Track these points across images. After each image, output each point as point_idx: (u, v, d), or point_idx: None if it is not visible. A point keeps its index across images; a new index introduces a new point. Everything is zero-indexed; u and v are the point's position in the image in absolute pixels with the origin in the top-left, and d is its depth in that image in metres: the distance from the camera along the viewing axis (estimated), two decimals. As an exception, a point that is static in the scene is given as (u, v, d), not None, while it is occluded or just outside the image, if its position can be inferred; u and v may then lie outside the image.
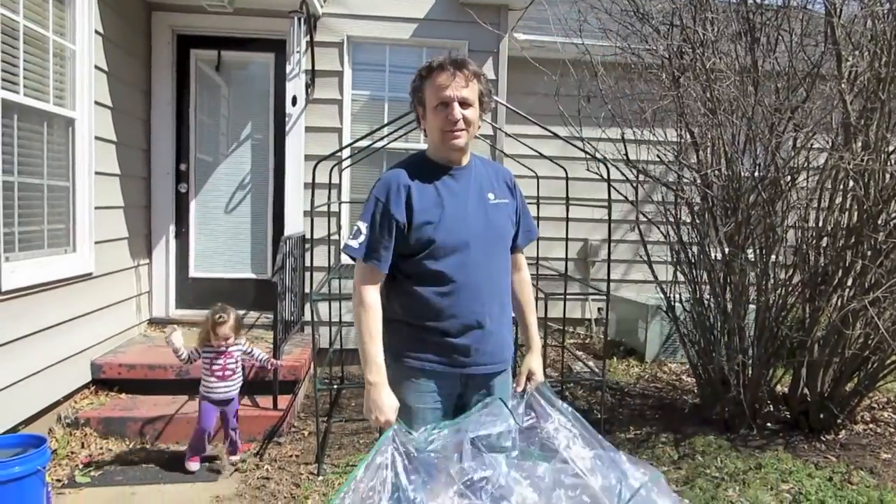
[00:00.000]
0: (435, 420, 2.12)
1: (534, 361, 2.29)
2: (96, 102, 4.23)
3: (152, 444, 3.97)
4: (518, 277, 2.34)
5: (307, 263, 5.32)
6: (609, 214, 4.04)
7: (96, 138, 4.25)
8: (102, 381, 4.32)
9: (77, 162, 4.14)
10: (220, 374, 3.67)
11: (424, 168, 2.15)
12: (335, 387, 4.94)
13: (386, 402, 1.98)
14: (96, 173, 4.25)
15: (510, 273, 2.26)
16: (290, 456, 3.89)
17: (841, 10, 3.77)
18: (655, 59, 4.50)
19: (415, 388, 2.08)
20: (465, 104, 2.05)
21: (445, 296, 2.07)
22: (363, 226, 2.09)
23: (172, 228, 5.25)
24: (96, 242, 4.27)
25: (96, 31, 4.21)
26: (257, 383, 4.36)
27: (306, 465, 3.75)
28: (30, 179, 3.73)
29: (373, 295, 2.06)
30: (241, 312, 5.28)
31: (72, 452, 3.75)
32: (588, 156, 4.17)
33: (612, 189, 4.14)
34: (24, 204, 3.66)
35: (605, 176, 4.73)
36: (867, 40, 3.85)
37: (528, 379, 2.27)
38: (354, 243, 2.07)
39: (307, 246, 5.30)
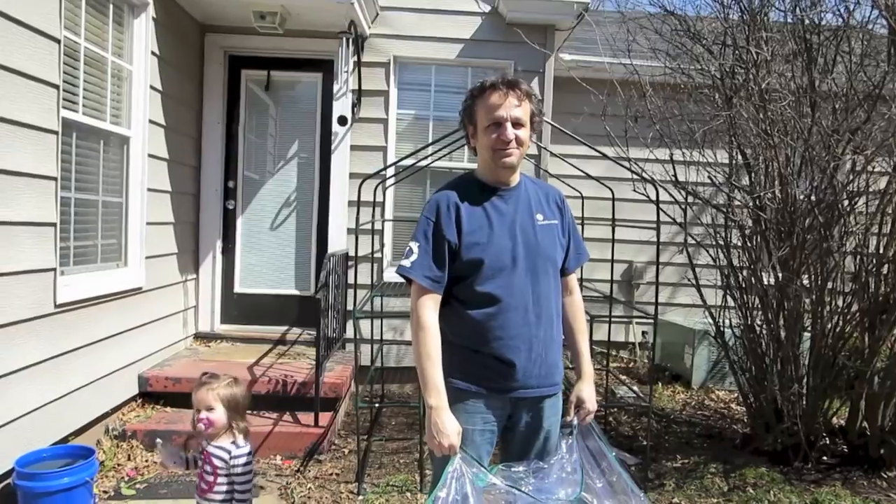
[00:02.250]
0: (484, 442, 2.10)
1: (585, 389, 2.22)
2: (150, 121, 4.35)
3: (195, 458, 3.99)
4: (569, 301, 2.29)
5: (350, 280, 5.34)
6: (658, 236, 3.95)
7: (149, 156, 4.36)
8: (149, 395, 4.38)
9: (130, 178, 4.25)
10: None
11: (473, 188, 2.14)
12: (377, 405, 4.92)
13: (449, 427, 1.94)
14: (148, 190, 4.36)
15: (560, 296, 2.21)
16: (331, 474, 3.87)
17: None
18: (706, 79, 4.41)
19: (463, 410, 2.05)
20: (517, 124, 2.04)
21: (492, 317, 2.05)
22: (415, 246, 2.08)
23: (219, 244, 5.34)
24: (147, 257, 4.37)
25: (152, 52, 4.33)
26: (298, 399, 4.37)
27: (346, 484, 3.72)
28: (86, 195, 3.84)
29: (431, 316, 2.03)
30: (284, 328, 5.37)
31: (118, 464, 3.80)
32: (637, 176, 4.10)
33: (660, 210, 4.04)
34: (80, 219, 3.77)
35: (654, 197, 4.65)
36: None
37: (579, 407, 2.21)
38: (407, 263, 2.07)
39: (350, 263, 5.34)
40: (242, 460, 2.39)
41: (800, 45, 3.87)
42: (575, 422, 2.20)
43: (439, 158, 4.82)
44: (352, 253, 5.32)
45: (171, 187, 4.73)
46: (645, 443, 4.18)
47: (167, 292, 4.76)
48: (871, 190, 4.00)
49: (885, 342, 4.05)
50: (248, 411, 2.57)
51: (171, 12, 4.62)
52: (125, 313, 4.14)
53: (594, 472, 2.16)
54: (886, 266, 3.99)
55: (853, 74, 3.89)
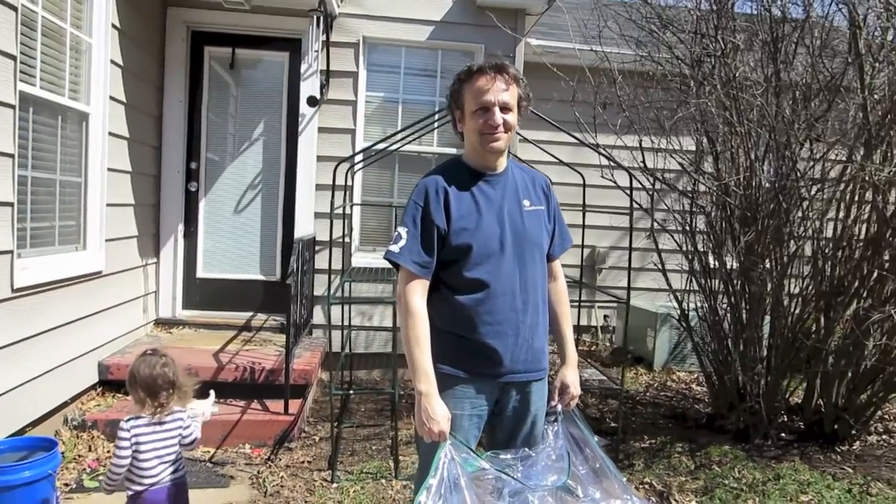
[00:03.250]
0: (472, 427, 2.10)
1: (569, 374, 2.24)
2: (111, 97, 4.16)
3: (162, 447, 3.88)
4: (554, 286, 2.30)
5: (318, 265, 5.26)
6: (631, 222, 4.02)
7: (110, 134, 4.17)
8: (109, 383, 4.23)
9: (90, 157, 4.07)
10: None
11: (461, 173, 2.12)
12: (351, 392, 4.88)
13: (439, 412, 1.93)
14: (109, 170, 4.18)
15: (546, 281, 2.22)
16: (303, 462, 3.82)
17: (865, 21, 3.77)
18: (675, 67, 4.49)
19: (451, 395, 2.04)
20: (505, 108, 2.03)
21: (480, 303, 2.04)
22: (404, 231, 2.05)
23: (181, 227, 5.17)
24: (107, 240, 4.19)
25: (113, 25, 4.14)
26: (267, 387, 4.30)
27: (319, 472, 3.68)
28: (43, 174, 3.65)
29: (419, 302, 2.01)
30: (248, 314, 5.26)
31: (79, 456, 3.65)
32: (612, 163, 4.14)
33: (631, 196, 4.11)
34: (37, 200, 3.59)
35: (627, 183, 4.72)
36: (888, 51, 3.85)
37: (563, 392, 2.23)
38: (395, 248, 2.04)
39: (317, 248, 5.25)
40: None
41: (766, 36, 3.96)
42: (559, 407, 2.22)
43: (410, 142, 4.77)
44: (319, 237, 5.25)
45: (132, 167, 4.55)
46: (613, 424, 4.27)
47: (127, 277, 4.59)
48: (829, 177, 4.14)
49: (839, 323, 4.22)
50: (216, 400, 2.87)
51: (132, -16, 4.42)
52: (85, 298, 3.97)
53: (577, 459, 2.19)
54: (841, 251, 4.15)
55: (813, 66, 4.02)
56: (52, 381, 3.63)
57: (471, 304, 2.04)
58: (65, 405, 3.83)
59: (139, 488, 2.42)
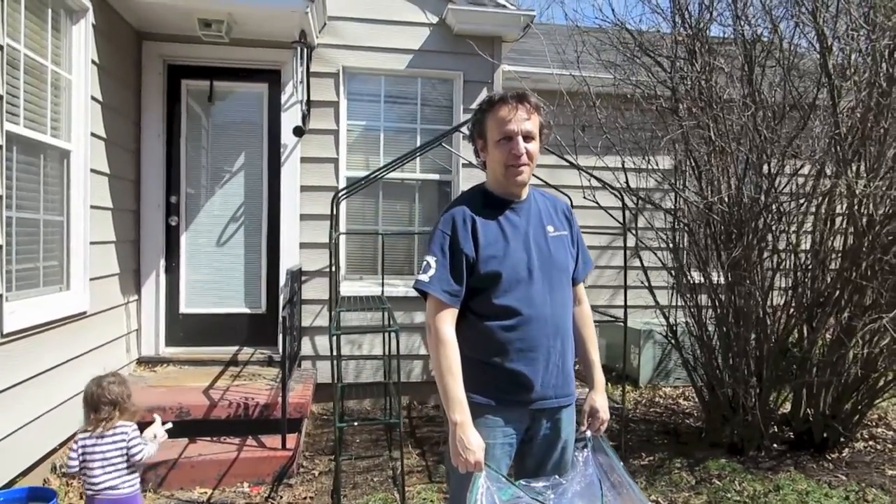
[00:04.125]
0: (504, 455, 2.09)
1: (598, 399, 2.23)
2: (91, 133, 4.08)
3: (155, 490, 3.75)
4: (578, 311, 2.30)
5: (305, 296, 5.20)
6: (625, 242, 4.10)
7: (91, 170, 4.08)
8: (96, 426, 4.07)
9: (72, 195, 3.97)
10: None
11: (485, 202, 2.13)
12: (356, 423, 4.81)
13: (475, 442, 1.91)
14: (91, 207, 4.07)
15: (572, 306, 2.24)
16: (305, 498, 3.74)
17: (832, 46, 3.95)
18: (652, 90, 4.62)
19: (483, 424, 2.02)
20: (528, 137, 2.05)
21: (511, 330, 2.04)
22: (432, 260, 2.04)
23: (163, 263, 5.06)
24: (91, 279, 4.07)
25: (92, 61, 4.07)
26: (262, 422, 4.21)
27: (324, 508, 3.60)
28: (27, 214, 3.54)
29: (449, 331, 2.00)
30: (234, 349, 5.16)
31: (70, 504, 3.52)
32: (600, 184, 4.23)
33: (624, 215, 4.19)
34: (21, 240, 3.47)
35: (609, 203, 4.83)
36: (857, 73, 4.04)
37: (592, 417, 2.23)
38: (425, 277, 2.03)
39: (304, 279, 5.20)
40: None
41: (741, 58, 4.12)
42: (589, 433, 2.22)
43: (393, 170, 4.77)
44: (306, 268, 5.20)
45: (113, 204, 4.44)
46: (611, 443, 4.29)
47: (110, 316, 4.46)
48: (809, 192, 4.30)
49: (822, 333, 4.36)
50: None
51: (110, 19, 4.36)
52: (70, 340, 3.84)
53: (605, 485, 2.20)
54: (821, 263, 4.30)
55: (785, 86, 4.20)
56: (40, 428, 3.49)
57: (502, 330, 2.04)
58: (52, 452, 3.68)
59: (89, 492, 2.72)
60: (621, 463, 2.25)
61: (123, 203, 4.67)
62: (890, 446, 4.54)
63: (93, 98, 4.09)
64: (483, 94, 5.46)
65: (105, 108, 4.27)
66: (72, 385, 3.84)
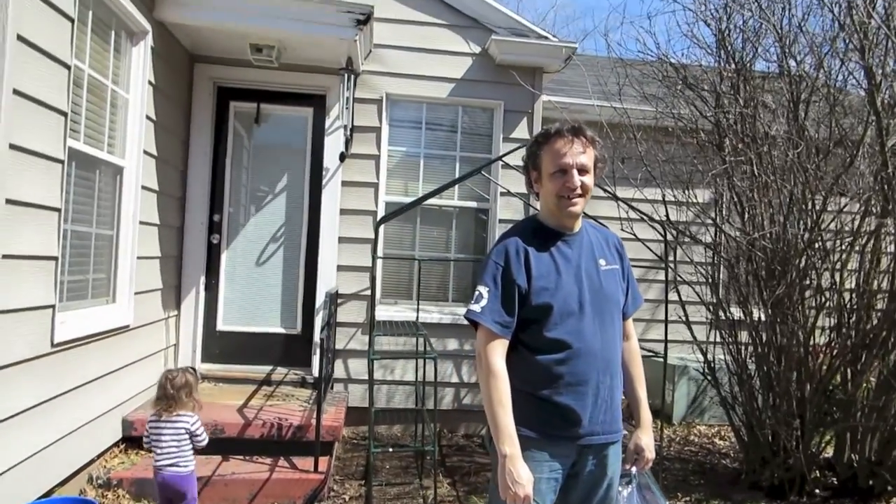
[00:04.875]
0: (549, 491, 2.05)
1: (644, 437, 2.20)
2: (144, 151, 4.20)
3: (188, 507, 3.76)
4: (627, 347, 2.27)
5: (339, 319, 5.23)
6: (666, 275, 4.06)
7: (142, 187, 4.19)
8: (132, 439, 4.12)
9: (122, 210, 4.07)
10: None
11: (538, 233, 2.13)
12: (390, 449, 4.79)
13: (525, 476, 1.89)
14: (140, 223, 4.18)
15: (622, 341, 2.22)
16: (336, 522, 3.71)
17: (880, 84, 3.92)
18: (693, 124, 4.62)
19: (530, 458, 1.99)
20: (582, 171, 2.05)
21: (561, 363, 2.02)
22: (484, 290, 2.04)
23: (203, 280, 5.14)
24: (135, 293, 4.15)
25: (149, 82, 4.21)
26: (294, 443, 4.21)
27: (355, 533, 3.57)
28: (80, 227, 3.65)
29: (500, 362, 1.99)
30: (268, 368, 5.20)
31: (106, 516, 3.54)
32: (641, 217, 4.21)
33: (666, 249, 4.16)
34: (74, 253, 3.57)
35: (646, 236, 4.80)
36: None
37: (638, 455, 2.19)
38: (477, 307, 2.02)
39: (340, 301, 5.23)
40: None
41: (789, 94, 4.10)
42: (634, 470, 2.18)
43: (435, 196, 4.80)
44: (342, 290, 5.24)
45: (159, 220, 4.55)
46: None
47: (151, 330, 4.53)
48: (853, 231, 4.23)
49: (867, 375, 4.24)
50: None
51: (166, 42, 4.52)
52: (112, 352, 3.91)
53: None
54: (868, 302, 4.20)
55: (831, 123, 4.17)
56: (79, 438, 3.53)
57: (552, 364, 2.02)
58: (90, 463, 3.72)
59: (155, 465, 3.21)
60: (667, 501, 2.21)
61: (169, 220, 4.78)
62: (938, 497, 4.36)
63: (147, 117, 4.22)
64: (523, 124, 5.52)
65: (158, 126, 4.40)
66: (111, 397, 3.91)
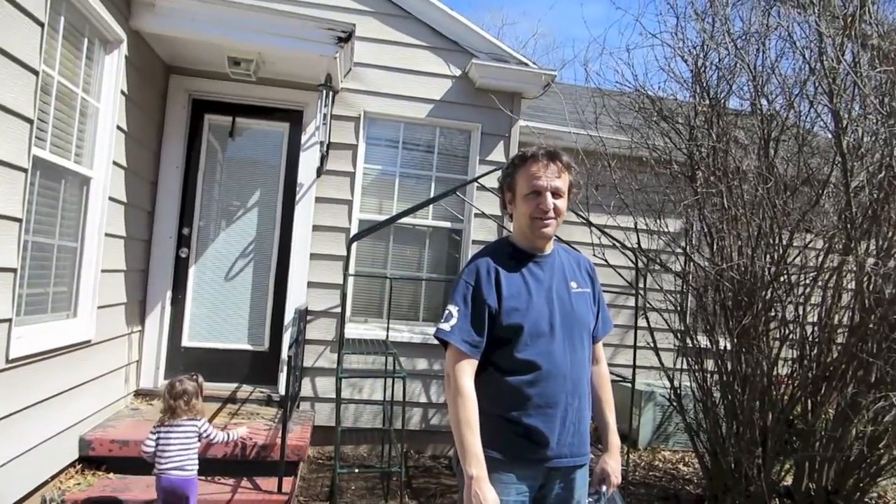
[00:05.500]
0: None
1: (611, 462, 2.22)
2: (113, 162, 4.10)
3: (145, 530, 3.65)
4: (597, 370, 2.30)
5: (308, 336, 5.16)
6: (636, 302, 4.10)
7: (110, 199, 4.08)
8: (90, 459, 3.98)
9: (88, 222, 3.96)
10: None
11: (510, 254, 2.16)
12: (356, 470, 4.71)
13: (490, 498, 1.89)
14: (106, 235, 4.06)
15: (591, 364, 2.23)
16: (300, 547, 3.64)
17: (846, 127, 4.05)
18: (667, 155, 4.71)
19: (497, 480, 1.99)
20: (556, 194, 2.08)
21: (531, 385, 2.03)
22: (454, 310, 2.05)
23: (169, 294, 5.02)
24: (98, 307, 4.03)
25: (121, 91, 4.12)
26: (258, 463, 4.12)
27: (320, 558, 3.50)
28: (42, 239, 3.53)
29: (469, 382, 1.99)
30: (234, 385, 5.09)
31: (60, 540, 3.40)
32: (614, 243, 4.26)
33: (637, 276, 4.21)
34: (34, 265, 3.45)
35: (617, 262, 4.86)
36: (868, 154, 4.13)
37: (603, 481, 2.21)
38: (446, 326, 2.03)
39: (309, 318, 5.17)
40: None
41: (760, 132, 4.21)
42: (604, 489, 2.19)
43: (409, 215, 4.80)
44: (311, 307, 5.18)
45: (126, 233, 4.43)
46: (612, 506, 4.21)
47: (113, 346, 4.40)
48: (817, 266, 4.34)
49: (826, 407, 4.34)
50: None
51: (142, 51, 4.43)
52: (73, 369, 3.78)
53: None
54: (829, 336, 4.31)
55: (799, 163, 4.29)
56: (34, 458, 3.40)
57: (521, 385, 2.02)
58: (44, 484, 3.58)
59: (157, 471, 3.32)
60: None
61: (137, 232, 4.66)
62: (891, 527, 4.49)
63: (118, 127, 4.13)
64: (500, 147, 5.55)
65: (129, 137, 4.31)
66: (68, 415, 3.78)
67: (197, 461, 3.40)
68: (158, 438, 3.32)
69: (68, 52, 3.60)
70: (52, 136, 3.47)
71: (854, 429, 4.17)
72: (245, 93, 5.09)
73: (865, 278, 4.00)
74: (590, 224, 4.76)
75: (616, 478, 2.22)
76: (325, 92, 4.75)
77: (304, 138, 5.16)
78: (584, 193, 5.05)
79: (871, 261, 3.99)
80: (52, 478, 3.68)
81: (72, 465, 3.90)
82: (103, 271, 4.08)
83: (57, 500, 3.60)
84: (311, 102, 5.10)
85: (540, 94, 5.56)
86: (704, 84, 4.35)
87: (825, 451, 4.22)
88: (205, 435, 3.41)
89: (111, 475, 3.97)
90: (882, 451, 4.25)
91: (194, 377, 3.48)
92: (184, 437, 3.33)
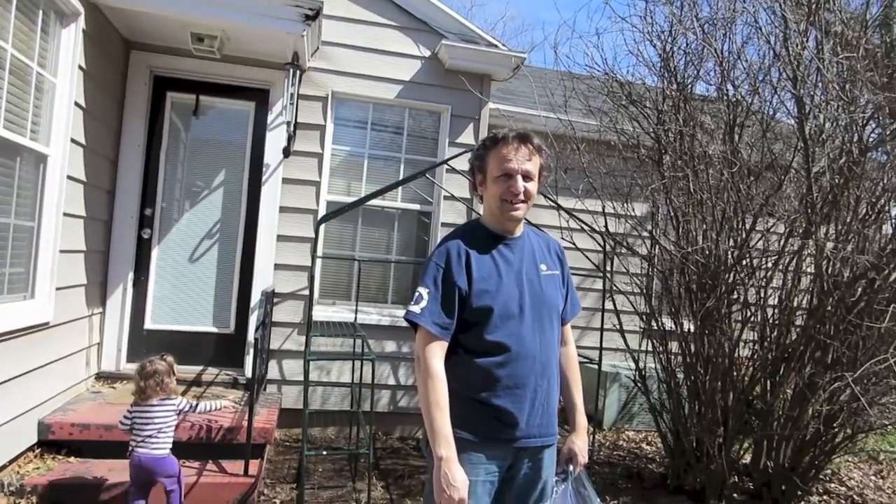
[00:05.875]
0: (485, 493, 2.08)
1: (578, 441, 2.25)
2: (71, 140, 3.97)
3: (107, 515, 3.60)
4: (565, 352, 2.32)
5: (275, 318, 5.11)
6: (604, 285, 4.14)
7: (68, 177, 3.96)
8: (49, 443, 3.90)
9: (45, 201, 3.84)
10: None
11: (480, 236, 2.16)
12: (324, 452, 4.70)
13: (459, 479, 1.90)
14: (64, 214, 3.95)
15: (559, 346, 2.25)
16: (266, 528, 3.63)
17: (809, 114, 4.12)
18: (634, 140, 4.75)
19: (467, 461, 2.01)
20: (527, 177, 2.09)
21: (500, 366, 2.05)
22: (424, 292, 2.05)
23: (131, 276, 4.91)
24: (57, 289, 3.93)
25: (79, 67, 3.98)
26: (224, 446, 4.09)
27: (286, 539, 3.50)
28: (-2, 218, 3.42)
29: (438, 364, 2.00)
30: (199, 368, 5.02)
31: (18, 525, 3.34)
32: (582, 226, 4.29)
33: (605, 259, 4.25)
34: (-11, 245, 3.34)
35: (586, 245, 4.90)
36: (830, 140, 4.22)
37: (570, 460, 2.24)
38: (416, 308, 2.03)
39: (276, 300, 5.11)
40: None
41: (727, 117, 4.26)
42: (571, 467, 2.22)
43: (377, 197, 4.76)
44: (279, 289, 5.13)
45: (86, 212, 4.32)
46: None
47: (73, 328, 4.30)
48: (778, 251, 4.44)
49: (785, 387, 4.47)
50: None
51: (100, 25, 4.29)
52: (31, 351, 3.69)
53: None
54: (788, 318, 4.42)
55: (763, 148, 4.36)
56: (-10, 443, 3.33)
57: (491, 367, 2.04)
58: (1, 469, 3.50)
59: (132, 447, 3.33)
60: (598, 499, 2.26)
61: (97, 212, 4.54)
62: (843, 502, 4.65)
63: (76, 104, 4.00)
64: (469, 129, 5.53)
65: (87, 114, 4.18)
66: (26, 398, 3.69)
67: (171, 440, 3.40)
68: (134, 418, 3.32)
69: (22, 24, 3.47)
70: (6, 112, 3.35)
71: (811, 408, 4.30)
72: (209, 70, 4.96)
73: (825, 262, 4.11)
74: (559, 207, 4.78)
75: (583, 457, 2.25)
76: (291, 71, 4.66)
77: (270, 118, 5.07)
78: (553, 177, 5.06)
79: (830, 245, 4.09)
80: (10, 462, 3.60)
81: (30, 449, 3.82)
82: (62, 252, 3.97)
83: (15, 484, 3.52)
84: (278, 81, 5.00)
85: (510, 76, 5.55)
86: (672, 68, 4.38)
87: (783, 429, 4.34)
88: (187, 409, 3.45)
89: (72, 459, 3.90)
90: (837, 429, 4.40)
91: (164, 357, 3.46)
92: (160, 417, 3.34)
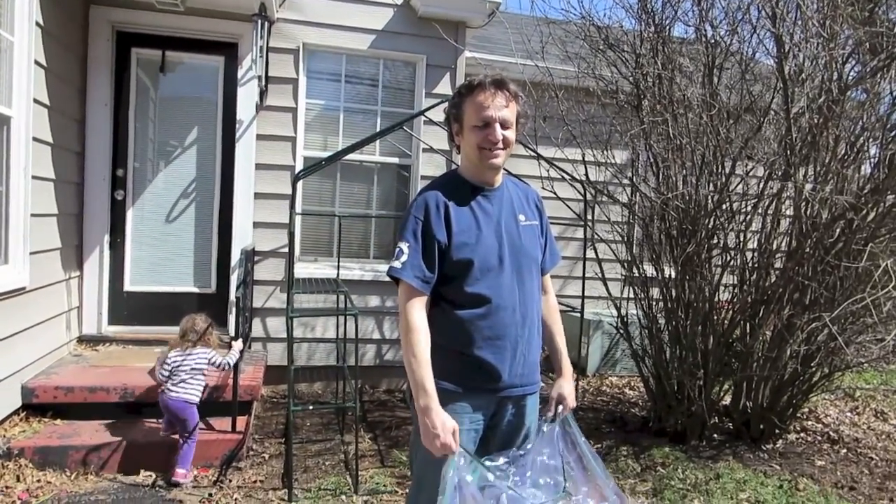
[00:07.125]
0: (469, 441, 2.10)
1: (566, 386, 2.25)
2: (35, 100, 3.85)
3: (97, 473, 3.63)
4: (546, 301, 2.32)
5: (257, 277, 5.09)
6: (585, 234, 4.14)
7: (33, 139, 3.86)
8: (34, 407, 3.91)
9: (12, 164, 3.75)
10: None
11: (459, 188, 2.12)
12: (311, 407, 4.74)
13: (447, 425, 1.91)
14: (33, 178, 3.86)
15: (541, 296, 2.25)
16: (255, 482, 3.68)
17: (788, 53, 4.06)
18: (614, 85, 4.67)
19: (451, 411, 2.02)
20: (505, 125, 2.04)
21: (482, 318, 2.05)
22: (405, 246, 2.03)
23: (107, 238, 4.85)
24: (31, 253, 3.87)
25: (37, 23, 3.84)
26: (210, 404, 4.11)
27: (274, 492, 3.56)
28: (-38, 183, 3.33)
29: (420, 317, 1.99)
30: (182, 329, 5.00)
31: (6, 487, 3.36)
32: (562, 176, 4.25)
33: (585, 208, 4.23)
34: (-45, 211, 3.27)
35: (567, 194, 4.88)
36: (809, 79, 4.17)
37: (559, 404, 2.26)
38: (398, 264, 2.01)
39: (257, 259, 5.08)
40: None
41: (705, 59, 4.19)
42: (560, 409, 2.23)
43: (354, 151, 4.68)
44: (259, 248, 5.09)
45: (55, 175, 4.22)
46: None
47: (51, 292, 4.26)
48: (757, 194, 4.43)
49: (764, 329, 4.53)
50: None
51: (56, -22, 4.12)
52: (8, 317, 3.66)
53: (571, 457, 2.23)
54: (767, 261, 4.45)
55: (742, 89, 4.31)
56: (-30, 410, 3.32)
57: (472, 318, 2.04)
58: (-17, 436, 3.51)
59: (166, 393, 3.68)
60: (584, 438, 2.28)
61: (67, 175, 4.45)
62: (819, 438, 4.77)
63: (36, 62, 3.87)
64: (446, 79, 5.42)
65: (49, 73, 4.04)
66: (7, 363, 3.69)
67: (200, 390, 3.76)
68: (172, 365, 3.71)
69: (-29, -22, 3.32)
70: (-38, 72, 3.24)
71: (789, 349, 4.36)
72: (174, 24, 4.80)
73: (803, 204, 4.11)
74: (538, 157, 4.73)
75: (571, 400, 2.25)
76: (259, 22, 4.52)
77: (240, 73, 4.93)
78: (531, 126, 5.00)
79: (808, 186, 4.09)
80: (-7, 427, 3.61)
81: (15, 413, 3.83)
82: (33, 216, 3.90)
83: (2, 447, 3.55)
84: (247, 34, 4.85)
85: (485, 22, 5.41)
86: (650, 10, 4.28)
87: (762, 371, 4.42)
88: (217, 362, 3.81)
89: (58, 421, 3.92)
90: (814, 369, 4.49)
91: (202, 317, 3.91)
92: (193, 365, 3.73)
